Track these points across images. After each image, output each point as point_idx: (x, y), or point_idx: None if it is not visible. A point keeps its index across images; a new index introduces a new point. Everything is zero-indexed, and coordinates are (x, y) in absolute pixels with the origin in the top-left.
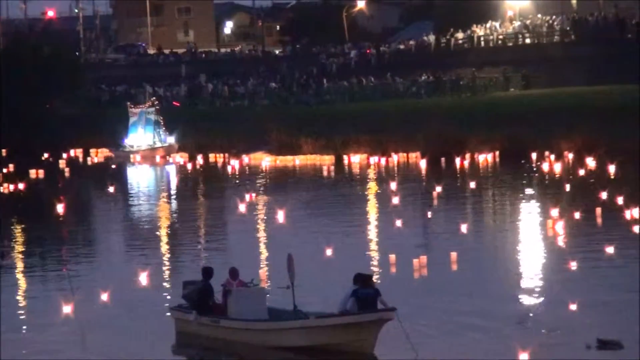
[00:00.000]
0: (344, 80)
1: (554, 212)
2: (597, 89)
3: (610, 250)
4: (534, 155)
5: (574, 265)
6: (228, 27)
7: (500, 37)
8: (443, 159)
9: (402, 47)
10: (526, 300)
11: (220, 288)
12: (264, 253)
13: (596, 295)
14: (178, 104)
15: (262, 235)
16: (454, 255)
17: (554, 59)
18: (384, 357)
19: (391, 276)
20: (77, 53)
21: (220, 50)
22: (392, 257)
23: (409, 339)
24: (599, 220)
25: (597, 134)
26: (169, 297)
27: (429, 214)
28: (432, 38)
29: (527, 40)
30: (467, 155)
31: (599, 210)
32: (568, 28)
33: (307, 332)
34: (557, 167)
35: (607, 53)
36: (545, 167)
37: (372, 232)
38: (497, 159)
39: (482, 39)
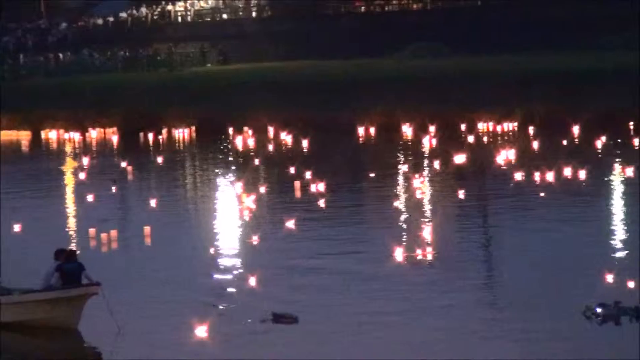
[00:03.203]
0: (40, 55)
1: (247, 186)
2: (294, 64)
3: (291, 224)
4: (231, 130)
5: (256, 238)
6: None
7: (198, 12)
8: (140, 134)
9: (100, 21)
10: (215, 273)
11: None
12: None
13: (276, 269)
14: None
15: None
16: (147, 229)
17: (250, 34)
18: (88, 332)
19: (91, 250)
20: None
21: None
22: (92, 231)
23: (113, 313)
24: (295, 193)
25: (294, 109)
26: None
27: (117, 189)
28: (143, 11)
29: (225, 16)
30: (164, 131)
31: (289, 183)
32: (265, 3)
33: (10, 308)
34: (255, 142)
35: (304, 28)
36: (243, 141)
37: (68, 207)
38: (194, 134)
39: (179, 14)
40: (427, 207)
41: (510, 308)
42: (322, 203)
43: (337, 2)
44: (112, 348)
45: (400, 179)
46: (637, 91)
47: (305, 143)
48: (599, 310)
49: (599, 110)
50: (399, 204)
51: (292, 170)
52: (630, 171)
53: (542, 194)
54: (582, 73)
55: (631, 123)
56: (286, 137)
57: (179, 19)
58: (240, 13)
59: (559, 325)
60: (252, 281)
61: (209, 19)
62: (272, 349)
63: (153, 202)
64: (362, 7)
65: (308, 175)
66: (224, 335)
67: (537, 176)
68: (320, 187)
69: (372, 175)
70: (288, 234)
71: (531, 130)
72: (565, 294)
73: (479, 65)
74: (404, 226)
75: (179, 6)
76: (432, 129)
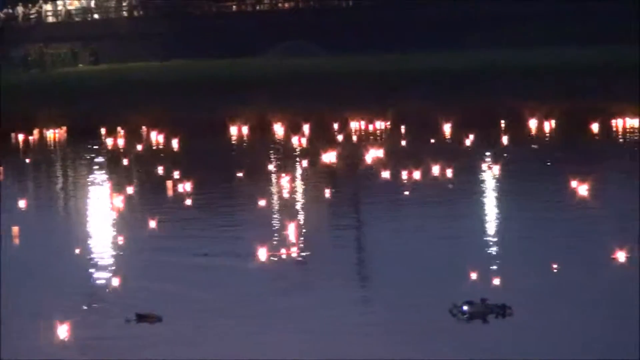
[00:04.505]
0: None
1: (117, 186)
2: (166, 64)
3: (159, 223)
4: (103, 131)
5: (124, 238)
6: None
7: (68, 12)
8: (11, 136)
9: None
10: (83, 273)
11: None
12: None
13: (143, 268)
14: None
15: None
16: (15, 229)
17: (122, 34)
18: None
19: None
20: None
21: None
22: None
23: None
24: (165, 193)
25: (166, 109)
26: None
27: None
28: (19, 10)
29: (96, 16)
30: (35, 132)
31: (159, 183)
32: (136, 4)
33: None
34: (126, 142)
35: (176, 28)
36: (114, 142)
37: None
38: (65, 135)
39: (49, 14)
40: (296, 206)
41: (376, 308)
42: (190, 202)
43: (209, 1)
44: None
45: (269, 178)
46: (508, 89)
47: (176, 143)
48: (465, 308)
49: (471, 109)
50: (268, 203)
51: (162, 170)
52: (497, 169)
53: (407, 193)
54: (454, 72)
55: (502, 121)
56: (158, 138)
57: (50, 18)
58: (112, 13)
59: (425, 323)
60: (118, 281)
61: (79, 19)
62: (136, 348)
63: (22, 203)
64: (234, 6)
65: (178, 175)
66: (88, 336)
67: (405, 175)
68: (190, 186)
69: (241, 174)
70: (156, 233)
71: (403, 129)
72: (432, 292)
73: (350, 64)
74: (272, 225)
75: (50, 6)
76: (303, 127)
